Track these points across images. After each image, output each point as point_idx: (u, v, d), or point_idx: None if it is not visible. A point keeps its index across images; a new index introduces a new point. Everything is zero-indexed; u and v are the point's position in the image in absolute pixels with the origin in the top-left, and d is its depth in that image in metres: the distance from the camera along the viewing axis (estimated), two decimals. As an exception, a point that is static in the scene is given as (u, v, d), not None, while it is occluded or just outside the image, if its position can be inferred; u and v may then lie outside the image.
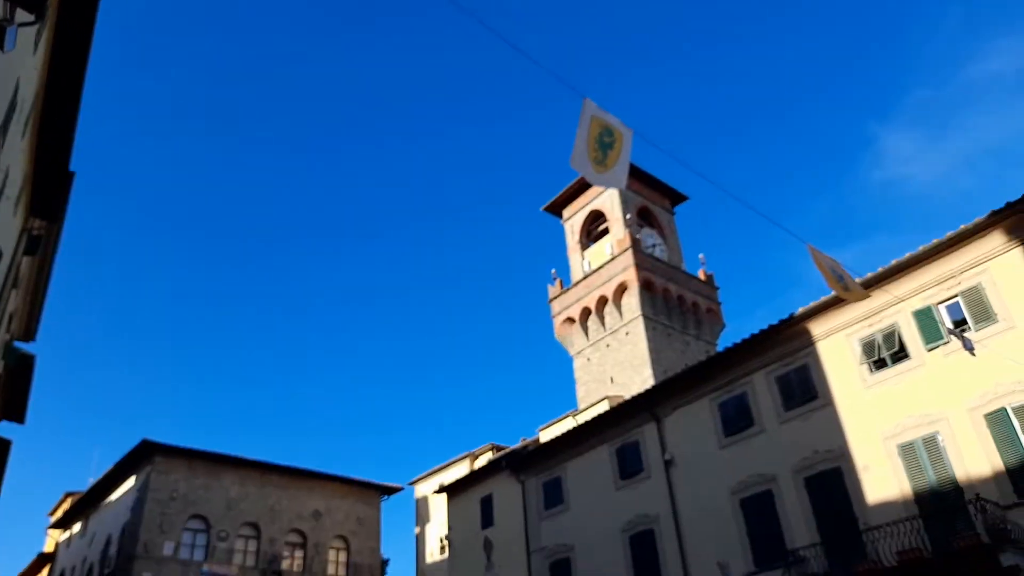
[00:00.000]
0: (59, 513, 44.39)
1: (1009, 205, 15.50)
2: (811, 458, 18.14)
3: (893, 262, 17.24)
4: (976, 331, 15.87)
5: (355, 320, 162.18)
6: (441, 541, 36.57)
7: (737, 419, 20.23)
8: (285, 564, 35.33)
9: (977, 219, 16.00)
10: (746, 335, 20.19)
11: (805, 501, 17.92)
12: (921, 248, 16.80)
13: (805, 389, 18.88)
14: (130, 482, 35.00)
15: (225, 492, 34.96)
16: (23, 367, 22.12)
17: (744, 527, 19.03)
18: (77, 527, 40.38)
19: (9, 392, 24.37)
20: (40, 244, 17.39)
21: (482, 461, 36.22)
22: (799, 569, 16.87)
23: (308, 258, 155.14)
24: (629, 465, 22.91)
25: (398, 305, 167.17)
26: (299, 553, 36.25)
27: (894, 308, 17.27)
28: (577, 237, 42.93)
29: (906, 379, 16.93)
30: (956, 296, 16.54)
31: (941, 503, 15.46)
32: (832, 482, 17.57)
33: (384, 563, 42.18)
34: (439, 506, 37.56)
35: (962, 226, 16.22)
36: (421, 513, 43.16)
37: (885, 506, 16.32)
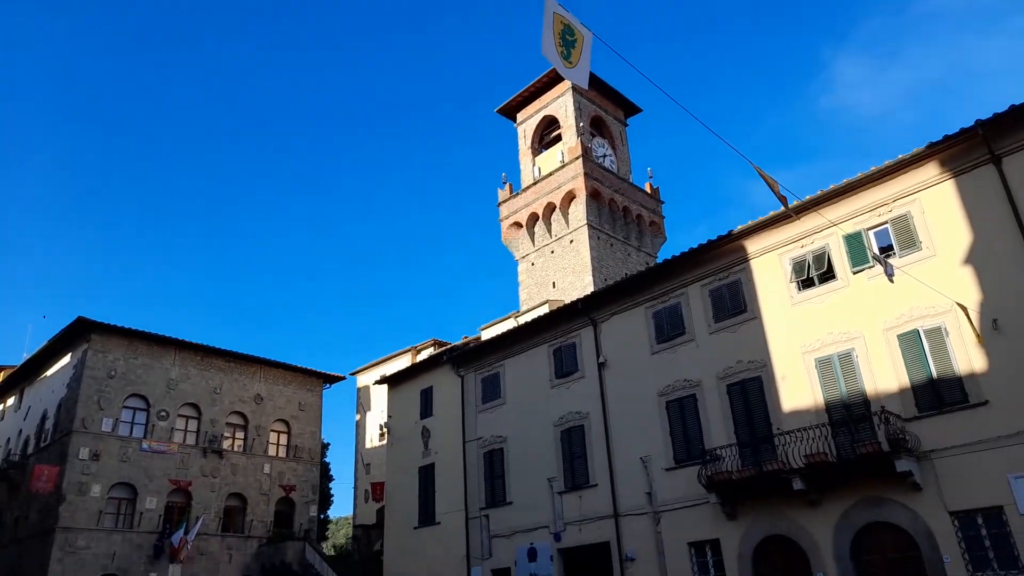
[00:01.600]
0: (-9, 386, 43.77)
1: (946, 138, 16.10)
2: (735, 367, 19.29)
3: (831, 187, 17.86)
4: (900, 257, 16.79)
5: (307, 207, 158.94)
6: (381, 428, 37.81)
7: (670, 328, 21.19)
8: (226, 444, 36.10)
9: (916, 149, 16.61)
10: (685, 249, 20.87)
11: (726, 406, 19.20)
12: (859, 175, 17.42)
13: (736, 303, 19.81)
14: (66, 359, 34.66)
15: (166, 373, 35.04)
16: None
17: (668, 427, 20.35)
18: (11, 400, 40.06)
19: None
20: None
21: (424, 355, 37.04)
22: (715, 466, 18.28)
23: (260, 141, 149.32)
24: (565, 365, 23.89)
25: (350, 195, 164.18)
26: (240, 434, 37.01)
27: (827, 231, 18.04)
28: (529, 142, 42.55)
29: (830, 299, 17.93)
30: (886, 223, 17.35)
31: (849, 414, 16.81)
32: (752, 390, 18.82)
33: (325, 447, 43.54)
34: (380, 396, 38.56)
35: (900, 156, 16.83)
36: (362, 402, 44.28)
37: (798, 414, 17.65)
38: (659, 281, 21.79)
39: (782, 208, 18.36)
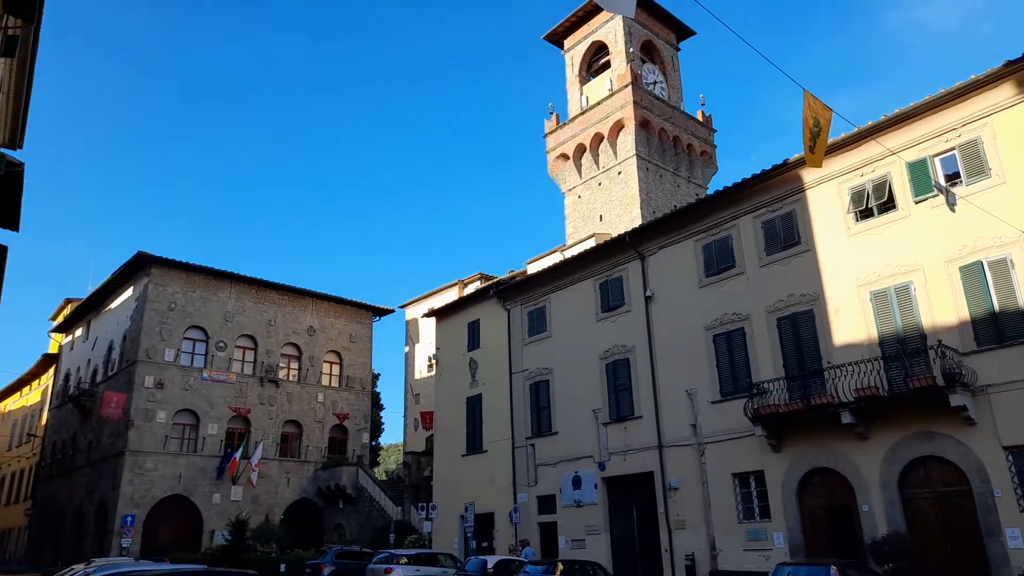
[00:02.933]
0: (60, 318, 46.05)
1: (1026, 56, 14.97)
2: (786, 300, 18.88)
3: (895, 111, 16.91)
4: (967, 185, 15.95)
5: (356, 147, 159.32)
6: (429, 360, 38.59)
7: (719, 261, 20.77)
8: (281, 374, 37.48)
9: (990, 69, 15.52)
10: (738, 179, 20.22)
11: (775, 340, 18.90)
12: (925, 98, 16.43)
13: (789, 235, 19.23)
14: (128, 292, 36.08)
15: (222, 305, 36.23)
16: (12, 173, 21.94)
17: (715, 360, 20.19)
18: (79, 332, 42.11)
19: (1, 199, 24.38)
20: (17, 44, 16.60)
21: (470, 289, 37.33)
22: (761, 400, 18.15)
23: (308, 88, 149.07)
24: (611, 299, 23.77)
25: (398, 131, 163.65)
26: (295, 365, 38.33)
27: (889, 159, 17.20)
28: (577, 70, 41.31)
29: (890, 229, 17.23)
30: (953, 149, 16.42)
31: (904, 348, 16.37)
32: (803, 324, 18.44)
33: (375, 377, 44.79)
34: (428, 328, 39.22)
35: (972, 76, 15.76)
36: (411, 334, 45.16)
37: (850, 348, 17.27)
38: (709, 213, 21.26)
39: (842, 135, 17.68)
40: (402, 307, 46.54)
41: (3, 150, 21.02)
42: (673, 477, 20.47)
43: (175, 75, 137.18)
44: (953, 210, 14.39)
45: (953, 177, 16.36)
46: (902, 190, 17.14)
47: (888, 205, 17.42)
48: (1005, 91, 15.62)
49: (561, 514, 23.48)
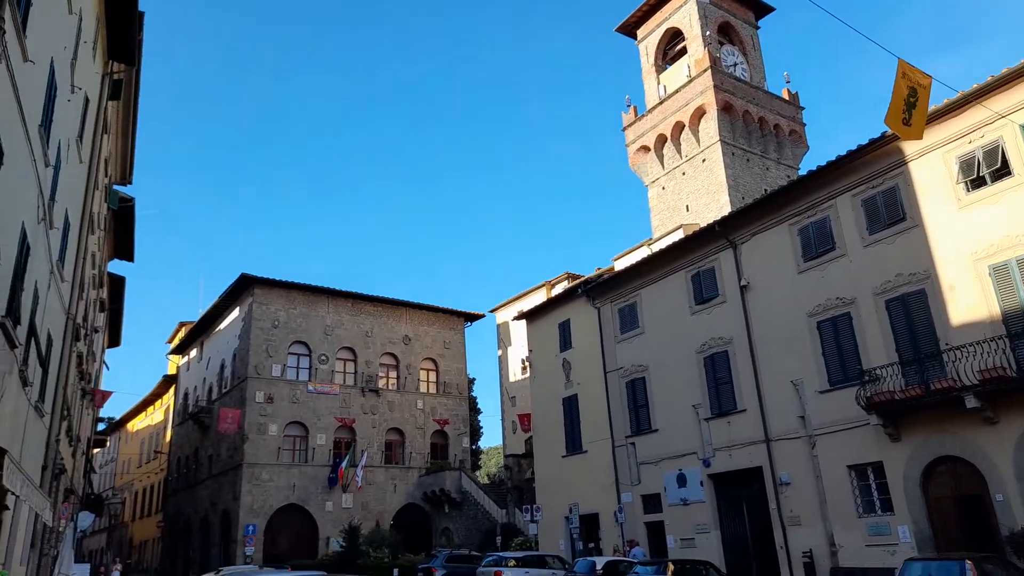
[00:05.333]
0: (176, 341, 49.15)
1: None
2: (894, 281, 17.83)
3: (1003, 71, 15.67)
4: (1094, 143, 14.61)
5: (437, 155, 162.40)
6: (522, 362, 38.80)
7: (817, 243, 19.87)
8: (381, 383, 38.62)
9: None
10: (831, 157, 19.31)
11: (885, 323, 17.88)
12: (1041, 51, 15.15)
13: (893, 211, 18.16)
14: (235, 312, 38.12)
15: (322, 320, 37.70)
16: (125, 208, 23.64)
17: (820, 348, 19.31)
18: (194, 353, 44.82)
19: (117, 234, 26.29)
20: (122, 88, 17.87)
21: (558, 289, 37.29)
22: (874, 387, 17.20)
23: (396, 94, 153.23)
24: (704, 291, 23.17)
25: (474, 140, 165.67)
26: (393, 373, 39.43)
27: (999, 123, 15.95)
28: (652, 59, 40.55)
29: (1006, 198, 15.98)
30: (1076, 105, 15.07)
31: (1030, 323, 15.14)
32: (914, 304, 17.36)
33: (471, 382, 45.44)
34: (519, 331, 39.42)
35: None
36: (502, 337, 45.54)
37: (969, 327, 16.11)
38: (804, 194, 20.37)
39: (944, 102, 16.55)
40: (492, 311, 47.03)
41: (115, 187, 22.72)
42: (783, 472, 19.70)
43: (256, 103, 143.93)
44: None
45: (1077, 135, 15.01)
46: (1017, 154, 15.86)
47: (1002, 172, 16.16)
48: None
49: (668, 513, 23.05)
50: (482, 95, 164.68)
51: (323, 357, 37.17)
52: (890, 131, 17.65)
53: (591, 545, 25.56)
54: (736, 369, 21.61)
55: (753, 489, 20.62)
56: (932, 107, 16.78)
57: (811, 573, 18.30)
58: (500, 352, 45.62)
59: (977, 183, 16.62)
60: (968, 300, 16.34)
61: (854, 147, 18.72)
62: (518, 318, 33.33)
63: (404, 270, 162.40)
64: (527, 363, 32.81)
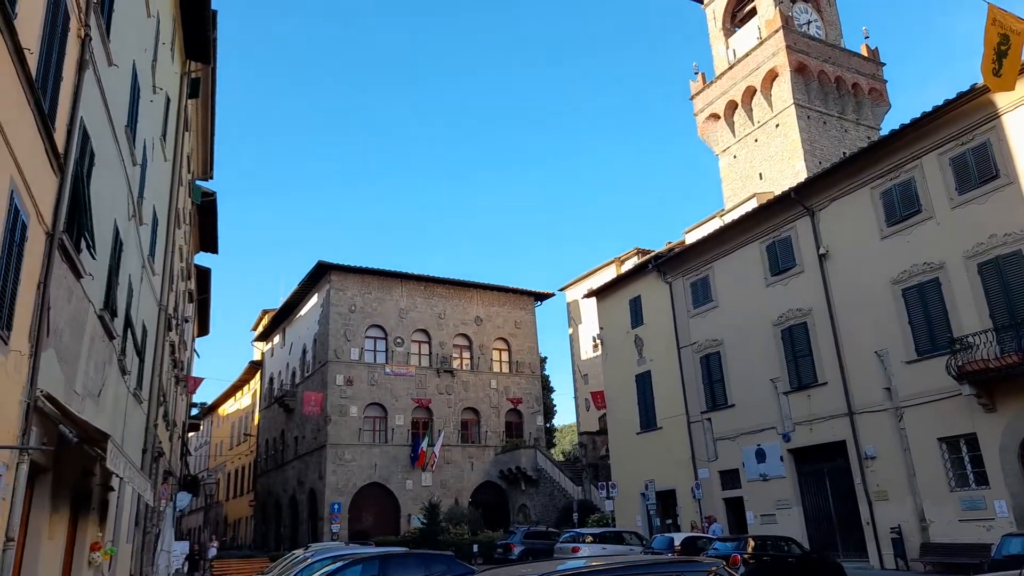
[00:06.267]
0: (260, 328, 51.25)
1: None
2: (987, 243, 16.83)
3: (1112, 8, 14.45)
4: None
5: (502, 140, 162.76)
6: (594, 340, 38.67)
7: (902, 207, 18.93)
8: (455, 364, 39.27)
9: None
10: (915, 115, 18.26)
11: (977, 288, 16.94)
12: None
13: (984, 168, 17.10)
14: (314, 299, 39.41)
15: (396, 304, 38.54)
16: (208, 202, 24.70)
17: (906, 317, 18.48)
18: (277, 339, 46.64)
19: (201, 227, 27.54)
20: (200, 86, 18.61)
21: (628, 265, 36.89)
22: (966, 355, 16.36)
23: (464, 78, 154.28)
24: (780, 261, 22.47)
25: (543, 119, 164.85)
26: (466, 354, 40.00)
27: (1107, 65, 14.72)
28: (720, 23, 39.23)
29: (1114, 148, 14.81)
30: None
31: None
32: (1011, 266, 16.35)
33: (543, 360, 45.64)
34: (589, 309, 39.25)
35: None
36: (573, 316, 45.47)
37: (1072, 289, 15.09)
38: (886, 156, 19.42)
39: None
40: (561, 290, 46.96)
41: (198, 182, 23.77)
42: (869, 445, 19.04)
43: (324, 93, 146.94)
44: None
45: None
46: None
47: (1110, 120, 14.94)
48: None
49: (746, 489, 22.66)
50: (546, 73, 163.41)
51: (399, 340, 38.03)
52: (980, 83, 16.66)
53: (668, 521, 25.42)
54: (816, 341, 20.93)
55: (836, 463, 20.03)
56: (1027, 55, 15.67)
57: (900, 549, 17.67)
58: (571, 330, 45.60)
59: (1080, 134, 15.45)
60: (1071, 261, 15.27)
61: (940, 103, 17.70)
62: (588, 296, 33.18)
63: (475, 253, 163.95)
64: (598, 340, 32.67)
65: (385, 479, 35.55)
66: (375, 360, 37.36)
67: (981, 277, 16.90)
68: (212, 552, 32.24)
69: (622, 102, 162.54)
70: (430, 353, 38.80)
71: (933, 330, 17.79)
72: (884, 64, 37.89)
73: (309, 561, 13.71)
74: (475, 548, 26.94)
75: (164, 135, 15.13)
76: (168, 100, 15.27)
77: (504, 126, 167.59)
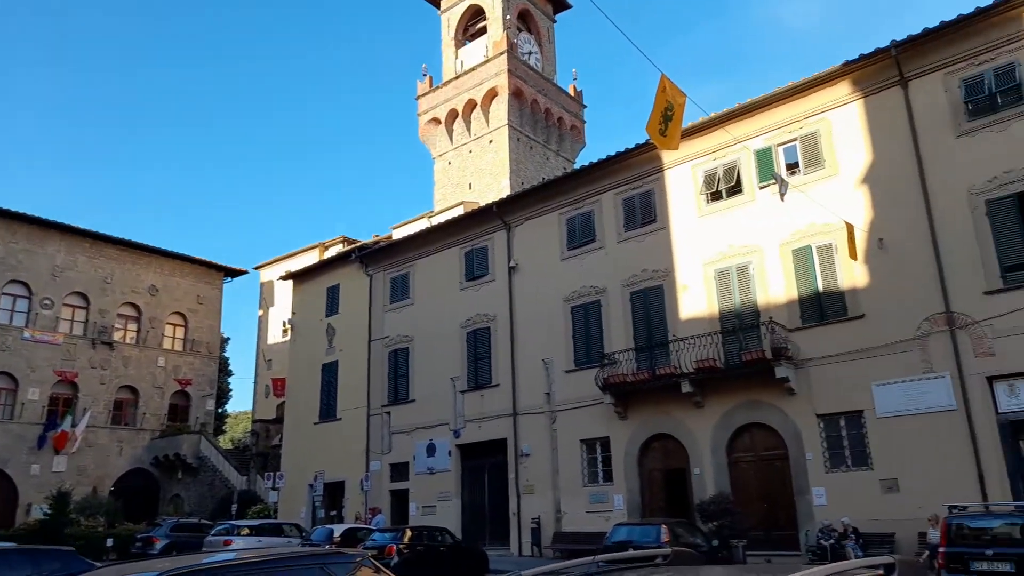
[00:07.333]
0: None
1: (862, 57, 16.23)
2: (640, 275, 19.60)
3: (748, 100, 17.87)
4: (805, 175, 17.14)
5: (208, 87, 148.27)
6: (284, 324, 36.98)
7: (581, 234, 21.22)
8: (117, 336, 34.50)
9: (831, 67, 16.70)
10: (603, 156, 20.65)
11: (628, 312, 19.62)
12: (775, 90, 17.47)
13: (647, 212, 19.94)
14: (-69, 237, 31.69)
15: (50, 259, 32.74)
16: None
17: (571, 331, 20.70)
18: None
19: None
20: None
21: (332, 252, 36.06)
22: (612, 369, 18.83)
23: (160, 21, 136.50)
24: (476, 268, 23.73)
25: (259, 77, 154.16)
26: (133, 326, 35.41)
27: (741, 145, 18.16)
28: (453, 32, 40.60)
29: (736, 212, 18.25)
30: (795, 140, 17.59)
31: (740, 323, 17.48)
32: (653, 298, 19.25)
33: (224, 341, 42.38)
34: (284, 292, 37.49)
35: (815, 73, 16.91)
36: (266, 297, 43.03)
37: (694, 322, 18.22)
38: (575, 187, 21.62)
39: (700, 120, 18.42)
40: (257, 268, 44.15)
41: None
42: (525, 443, 20.87)
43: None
44: (783, 200, 15.38)
45: (793, 166, 17.54)
46: (748, 175, 18.18)
47: (736, 189, 18.42)
48: (842, 89, 16.88)
49: (414, 481, 23.37)
50: (274, 33, 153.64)
51: (47, 302, 32.30)
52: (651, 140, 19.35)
53: (333, 513, 25.15)
54: (496, 345, 22.43)
55: (497, 459, 21.61)
56: (690, 124, 18.61)
57: (537, 537, 19.62)
58: (261, 312, 43.07)
59: (716, 196, 18.77)
60: (696, 298, 18.45)
61: (623, 149, 20.24)
62: (285, 278, 31.69)
63: (161, 212, 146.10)
64: (289, 325, 31.32)
65: (3, 462, 29.79)
66: (11, 321, 31.25)
67: (632, 304, 19.62)
68: None
69: (353, 92, 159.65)
70: (87, 320, 33.59)
71: (590, 345, 20.16)
72: (586, 106, 42.51)
73: None
74: (109, 542, 23.76)
75: None
76: None
77: (210, 79, 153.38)
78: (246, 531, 19.62)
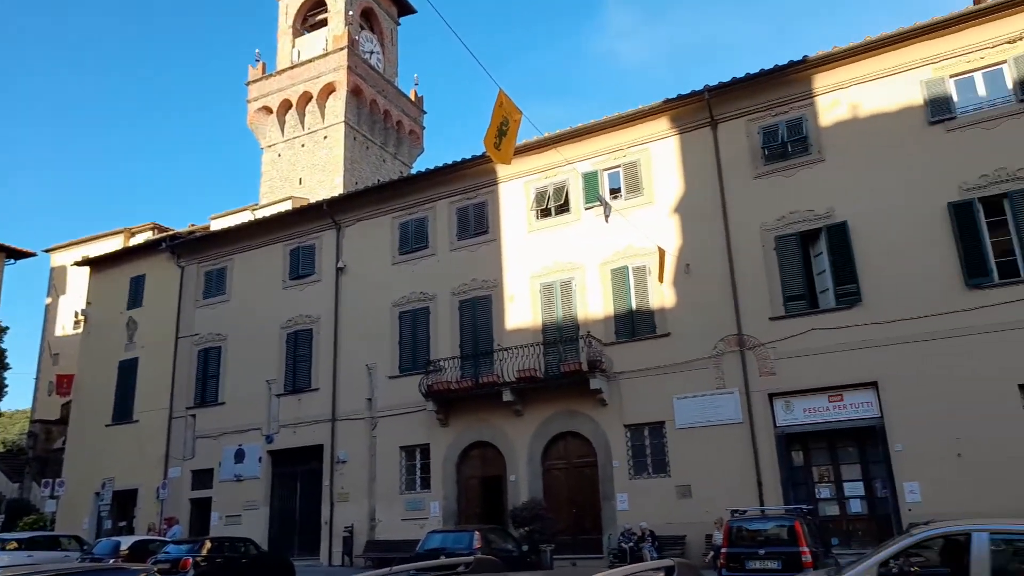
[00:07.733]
0: None
1: (679, 96, 17.70)
2: (470, 285, 19.87)
3: (579, 125, 18.84)
4: (626, 200, 18.32)
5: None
6: (77, 315, 33.26)
7: (414, 240, 21.13)
8: None
9: (653, 103, 18.03)
10: (440, 164, 20.74)
11: (455, 321, 19.80)
12: (603, 118, 18.58)
13: (480, 223, 20.27)
14: None
15: None
16: None
17: (398, 337, 20.49)
18: None
19: None
20: None
21: (139, 239, 33.07)
22: (436, 376, 18.87)
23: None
24: (301, 267, 22.81)
25: (61, 33, 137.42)
26: None
27: (571, 166, 19.04)
28: (291, 20, 39.00)
29: (563, 230, 19.08)
30: (619, 166, 18.76)
31: (561, 336, 18.26)
32: (481, 307, 19.58)
33: (2, 331, 37.29)
34: (80, 278, 33.73)
35: (640, 106, 18.19)
36: (56, 284, 38.47)
37: (518, 333, 18.78)
38: (411, 192, 21.50)
39: (535, 138, 19.09)
40: (48, 251, 39.34)
41: None
42: (343, 450, 20.32)
43: None
44: (607, 222, 16.38)
45: (616, 191, 18.68)
46: (576, 196, 19.11)
47: (564, 208, 19.28)
48: (662, 124, 18.28)
49: (218, 489, 21.91)
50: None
51: None
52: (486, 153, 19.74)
53: (122, 524, 22.91)
54: (317, 348, 21.67)
55: (311, 466, 20.84)
56: (525, 141, 19.19)
57: (349, 546, 19.15)
58: (49, 300, 38.40)
59: (545, 213, 19.52)
60: (522, 310, 19.04)
61: (459, 159, 20.45)
62: (82, 263, 28.54)
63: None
64: (83, 316, 28.19)
65: None
66: None
67: (460, 312, 19.82)
68: None
69: (176, 67, 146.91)
70: None
71: (416, 351, 20.08)
72: (426, 112, 42.57)
73: None
74: None
75: None
76: None
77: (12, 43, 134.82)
78: (13, 545, 17.36)
